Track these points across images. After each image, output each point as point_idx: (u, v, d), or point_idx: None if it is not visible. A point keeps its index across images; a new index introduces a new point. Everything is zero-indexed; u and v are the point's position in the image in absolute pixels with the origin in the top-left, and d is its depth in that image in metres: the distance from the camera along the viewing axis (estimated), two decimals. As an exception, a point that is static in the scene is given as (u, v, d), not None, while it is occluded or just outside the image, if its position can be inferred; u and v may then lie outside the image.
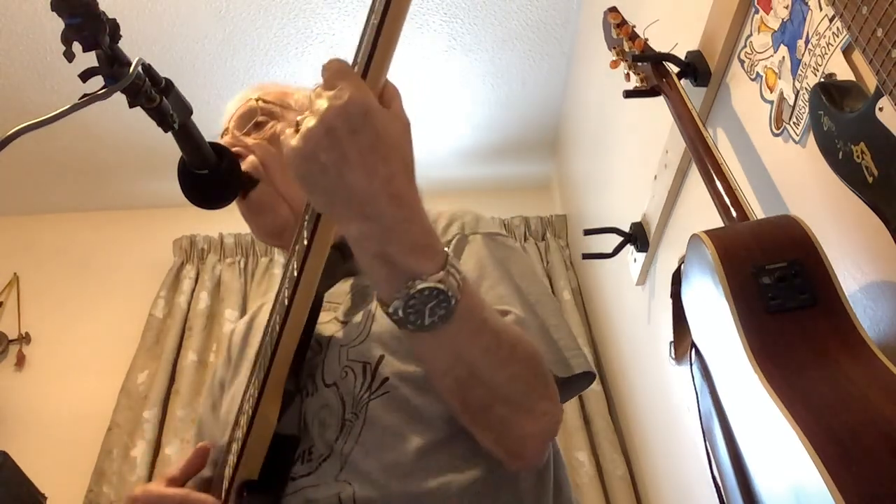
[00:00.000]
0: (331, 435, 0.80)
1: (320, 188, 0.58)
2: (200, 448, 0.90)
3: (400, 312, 0.60)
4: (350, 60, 0.63)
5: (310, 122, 0.57)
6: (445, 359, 0.67)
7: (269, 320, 0.82)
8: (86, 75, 0.76)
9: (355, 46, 0.63)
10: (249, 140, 1.00)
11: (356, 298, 0.91)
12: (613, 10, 1.45)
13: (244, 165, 0.97)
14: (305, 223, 0.70)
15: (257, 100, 1.05)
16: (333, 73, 0.59)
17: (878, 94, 0.73)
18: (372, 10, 0.60)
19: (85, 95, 0.72)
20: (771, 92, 1.16)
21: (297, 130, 0.59)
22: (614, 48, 1.45)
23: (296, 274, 0.71)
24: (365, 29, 0.62)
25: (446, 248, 0.65)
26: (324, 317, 0.88)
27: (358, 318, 0.87)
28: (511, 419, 0.71)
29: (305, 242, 0.70)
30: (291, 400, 0.82)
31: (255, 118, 1.03)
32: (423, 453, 0.76)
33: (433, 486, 0.74)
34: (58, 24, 0.71)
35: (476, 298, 0.68)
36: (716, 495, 0.92)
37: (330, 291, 0.92)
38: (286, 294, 0.74)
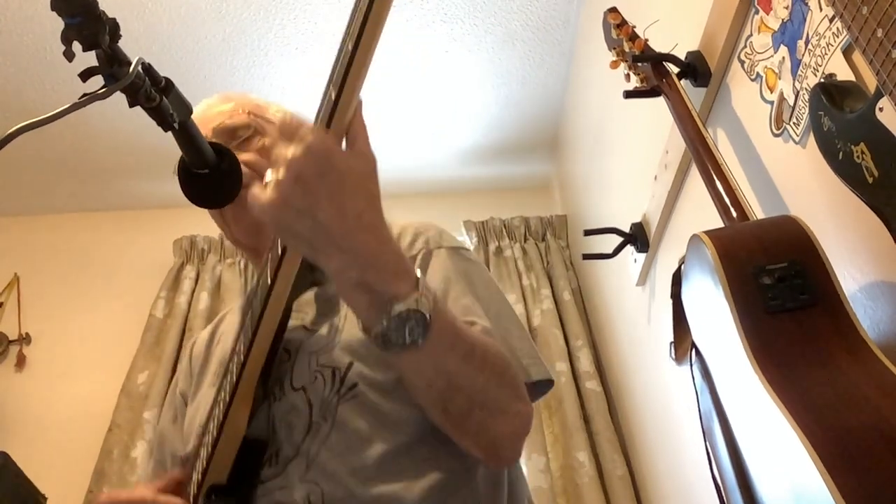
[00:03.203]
0: (297, 436, 0.83)
1: (298, 233, 0.63)
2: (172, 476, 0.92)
3: (383, 336, 0.64)
4: (323, 90, 0.67)
5: (278, 173, 0.61)
6: (427, 373, 0.71)
7: (240, 326, 0.85)
8: (85, 75, 0.75)
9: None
10: (243, 156, 0.99)
11: (323, 307, 0.94)
12: (613, 10, 1.45)
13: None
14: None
15: (248, 113, 1.05)
16: (289, 125, 0.63)
17: (878, 95, 0.73)
18: (346, 36, 0.65)
19: (85, 95, 0.72)
20: (771, 92, 1.16)
21: (265, 186, 0.63)
22: (614, 48, 1.45)
23: (269, 281, 0.75)
24: (338, 58, 0.66)
25: (416, 266, 0.70)
26: (292, 324, 0.91)
27: (325, 326, 0.91)
28: (488, 422, 0.75)
29: (279, 251, 0.74)
30: (260, 405, 0.85)
31: (240, 132, 1.03)
32: (387, 458, 0.80)
33: (396, 488, 0.79)
34: (58, 24, 0.71)
35: (448, 314, 0.73)
36: (716, 495, 0.92)
37: (297, 300, 0.95)
38: (260, 300, 0.78)
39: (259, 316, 0.78)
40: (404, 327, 0.64)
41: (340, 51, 0.65)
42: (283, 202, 0.61)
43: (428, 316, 0.65)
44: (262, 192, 0.63)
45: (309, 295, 0.96)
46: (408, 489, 0.79)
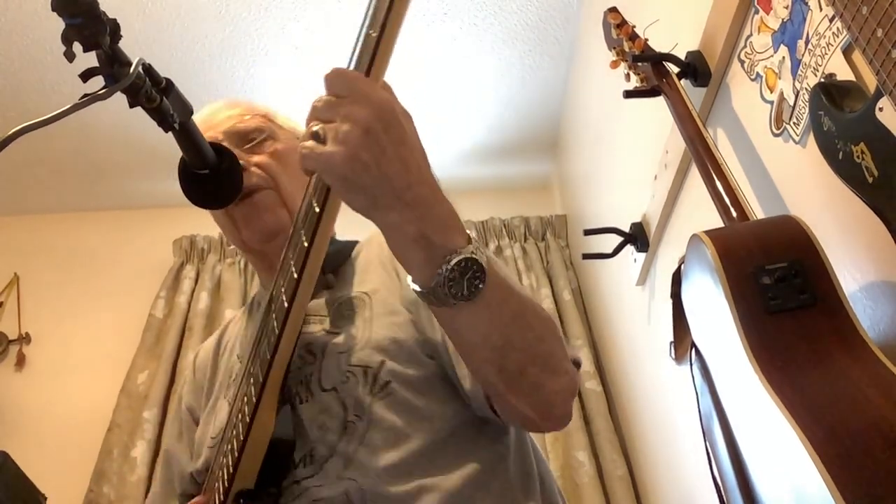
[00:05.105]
0: (332, 437, 0.83)
1: (364, 185, 0.61)
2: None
3: (441, 288, 0.64)
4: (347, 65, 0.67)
5: (343, 126, 0.60)
6: (482, 328, 0.70)
7: (260, 328, 0.83)
8: (86, 75, 0.75)
9: (352, 50, 0.67)
10: (255, 158, 1.00)
11: (341, 310, 0.94)
12: (613, 10, 1.45)
13: (253, 178, 0.97)
14: (303, 229, 0.72)
15: (262, 116, 1.05)
16: (351, 79, 0.63)
17: (878, 94, 0.73)
18: (370, 25, 0.65)
19: (85, 95, 0.72)
20: (771, 92, 1.16)
21: (314, 138, 0.62)
22: (614, 48, 1.46)
23: (296, 276, 0.73)
24: (361, 38, 0.66)
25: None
26: (313, 328, 0.91)
27: (350, 327, 0.90)
28: (541, 379, 0.75)
29: (305, 244, 0.71)
30: (280, 408, 0.84)
31: (252, 135, 1.03)
32: (423, 452, 0.81)
33: (436, 479, 0.80)
34: (58, 24, 0.71)
35: (499, 267, 0.72)
36: (716, 495, 0.92)
37: (310, 304, 0.94)
38: (284, 298, 0.76)
39: (285, 315, 0.76)
40: (463, 278, 0.64)
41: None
42: (353, 154, 0.60)
43: (485, 265, 0.65)
44: (323, 146, 0.61)
45: (320, 300, 0.96)
46: (444, 480, 0.80)
